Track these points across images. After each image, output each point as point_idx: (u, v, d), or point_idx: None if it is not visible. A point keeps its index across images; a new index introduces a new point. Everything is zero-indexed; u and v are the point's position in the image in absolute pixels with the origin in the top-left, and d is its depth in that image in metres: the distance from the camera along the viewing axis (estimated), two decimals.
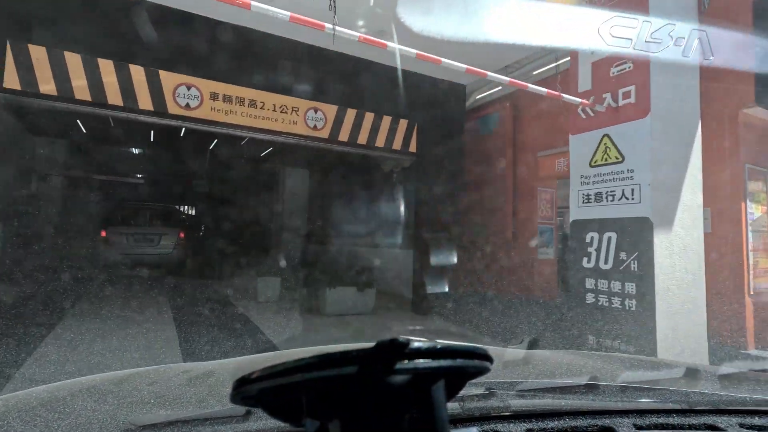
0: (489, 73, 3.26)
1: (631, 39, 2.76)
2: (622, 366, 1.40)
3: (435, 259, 7.24)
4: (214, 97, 5.65)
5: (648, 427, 0.80)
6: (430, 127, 7.23)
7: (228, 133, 6.09)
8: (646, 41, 3.06)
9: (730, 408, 0.87)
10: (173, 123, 5.72)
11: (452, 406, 0.76)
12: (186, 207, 14.76)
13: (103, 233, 8.39)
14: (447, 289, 7.18)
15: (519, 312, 6.65)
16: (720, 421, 0.82)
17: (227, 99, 5.73)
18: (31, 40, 4.73)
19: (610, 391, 0.98)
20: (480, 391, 0.85)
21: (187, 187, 12.96)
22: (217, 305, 6.86)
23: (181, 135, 9.32)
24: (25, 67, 4.69)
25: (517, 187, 8.17)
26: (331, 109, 6.43)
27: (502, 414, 0.80)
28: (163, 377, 1.19)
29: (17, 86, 4.66)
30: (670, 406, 0.88)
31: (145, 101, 5.26)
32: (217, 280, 9.27)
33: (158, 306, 6.51)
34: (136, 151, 12.49)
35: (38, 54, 4.76)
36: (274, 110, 6.03)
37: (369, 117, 6.71)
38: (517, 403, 0.84)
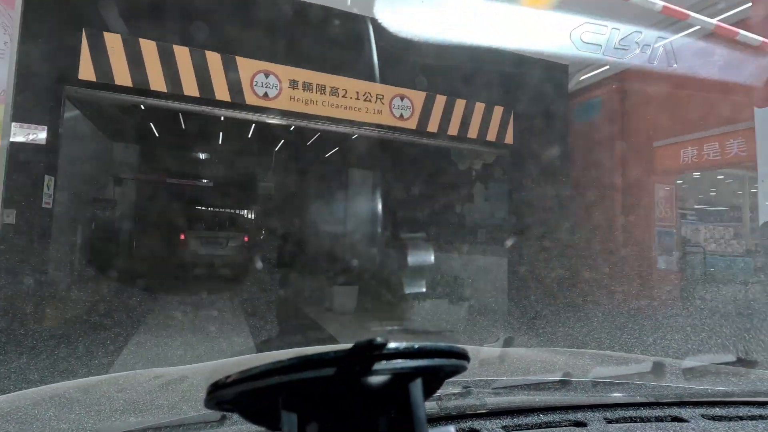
0: (692, 14, 2.31)
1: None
2: (593, 362, 1.45)
3: (531, 269, 6.25)
4: (293, 85, 5.05)
5: (618, 420, 0.83)
6: (528, 114, 6.24)
7: (306, 126, 5.49)
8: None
9: (694, 400, 0.92)
10: (250, 116, 5.20)
11: (430, 405, 0.75)
12: (251, 210, 14.62)
13: (182, 236, 9.22)
14: (539, 302, 6.15)
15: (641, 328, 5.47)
16: (684, 412, 0.86)
17: (307, 87, 5.11)
18: (106, 28, 4.36)
19: (581, 387, 1.02)
20: (457, 389, 0.87)
21: (254, 189, 12.68)
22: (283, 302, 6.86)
23: (249, 135, 8.98)
24: (101, 57, 4.32)
25: (627, 183, 6.97)
26: (418, 97, 5.65)
27: (478, 412, 0.81)
28: (133, 383, 1.16)
29: (92, 77, 4.29)
30: (638, 399, 0.91)
31: (221, 91, 4.75)
32: (280, 279, 9.05)
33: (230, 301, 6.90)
34: (203, 155, 12.46)
35: (113, 42, 4.37)
36: (357, 98, 5.34)
37: (460, 104, 5.86)
38: (493, 401, 0.87)
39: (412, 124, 5.61)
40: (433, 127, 5.72)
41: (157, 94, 4.60)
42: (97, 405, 0.98)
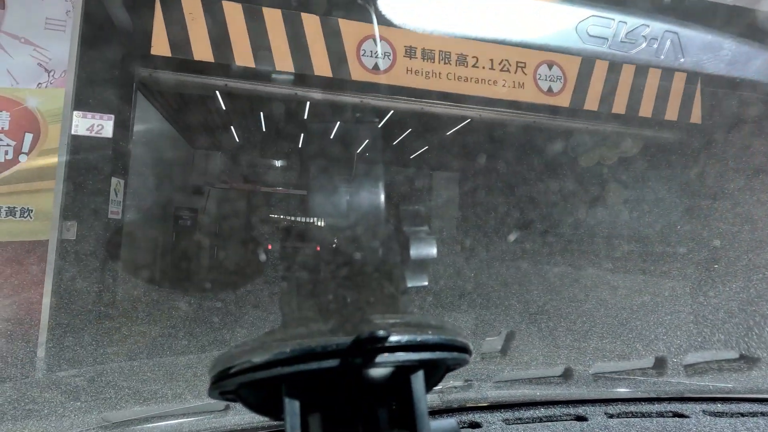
0: None
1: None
2: (595, 357, 1.50)
3: (727, 294, 4.44)
4: (409, 52, 3.83)
5: (619, 415, 0.83)
6: (725, 82, 4.46)
7: (423, 110, 4.22)
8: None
9: (695, 396, 0.92)
10: (353, 99, 4.06)
11: (432, 398, 0.75)
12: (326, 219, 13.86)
13: (270, 246, 9.94)
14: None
15: None
16: (685, 408, 0.86)
17: (427, 55, 3.86)
18: None
19: (583, 381, 1.02)
20: (459, 382, 0.88)
21: (337, 196, 11.70)
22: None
23: (333, 132, 7.99)
24: (177, 27, 3.40)
25: None
26: (572, 63, 4.16)
27: (479, 405, 0.82)
28: (138, 372, 1.21)
29: (167, 51, 3.37)
30: (639, 394, 0.92)
31: (321, 64, 3.65)
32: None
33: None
34: (279, 163, 11.81)
35: (192, 8, 3.44)
36: (492, 68, 3.99)
37: (628, 71, 4.27)
38: (494, 394, 0.88)
39: (563, 100, 4.13)
40: (592, 103, 4.19)
41: (243, 73, 3.61)
42: (103, 393, 1.00)
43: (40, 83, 3.16)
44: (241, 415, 0.70)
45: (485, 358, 1.34)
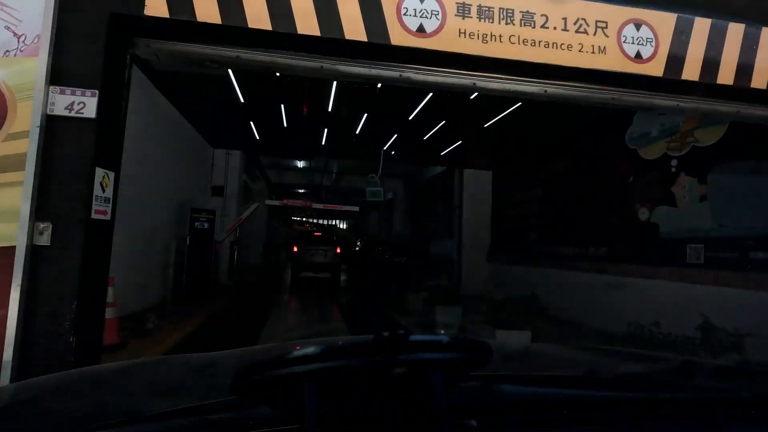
0: None
1: None
2: (620, 360, 1.39)
3: None
4: (462, 10, 3.06)
5: (644, 419, 0.81)
6: None
7: (473, 85, 3.44)
8: None
9: (726, 402, 0.89)
10: (389, 73, 3.31)
11: (452, 398, 0.67)
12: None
13: (295, 248, 11.84)
14: None
15: None
16: (715, 414, 0.83)
17: (485, 13, 3.09)
18: None
19: (607, 384, 0.99)
20: (480, 383, 0.86)
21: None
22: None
23: (361, 122, 7.27)
24: None
25: None
26: (664, 21, 3.32)
27: (500, 405, 0.80)
28: (165, 368, 1.20)
29: (164, 11, 2.71)
30: (667, 398, 0.88)
31: (353, 25, 2.92)
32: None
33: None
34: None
35: None
36: (564, 28, 3.18)
37: (735, 30, 3.40)
38: (516, 395, 0.86)
39: (655, 68, 3.28)
40: (691, 72, 3.33)
41: (257, 39, 2.92)
42: (132, 387, 1.02)
43: (7, 51, 2.55)
44: (263, 409, 0.63)
45: (507, 357, 1.28)
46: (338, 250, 12.32)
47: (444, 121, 8.25)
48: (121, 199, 2.99)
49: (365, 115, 7.93)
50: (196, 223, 7.70)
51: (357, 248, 22.78)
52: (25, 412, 0.84)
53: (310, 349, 0.46)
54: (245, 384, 0.49)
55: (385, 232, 26.60)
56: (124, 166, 3.06)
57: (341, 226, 54.85)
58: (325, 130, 8.97)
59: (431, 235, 17.48)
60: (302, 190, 26.06)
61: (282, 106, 7.62)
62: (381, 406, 0.48)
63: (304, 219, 47.36)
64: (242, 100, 7.35)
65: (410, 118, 7.99)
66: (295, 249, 11.65)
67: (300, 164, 18.67)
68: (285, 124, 8.62)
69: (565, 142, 8.94)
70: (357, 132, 8.99)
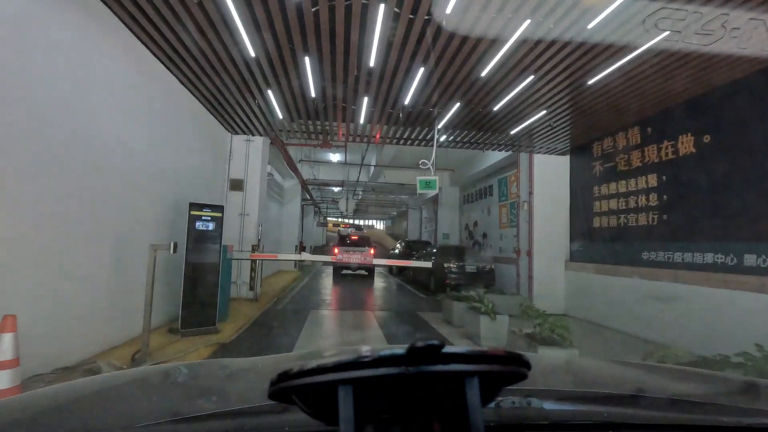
0: None
1: None
2: (672, 378, 1.30)
3: None
4: None
5: None
6: None
7: None
8: None
9: None
10: None
11: (488, 413, 0.70)
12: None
13: (336, 250, 13.22)
14: None
15: None
16: None
17: None
18: None
19: (658, 404, 0.92)
20: (517, 397, 0.82)
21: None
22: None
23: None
24: None
25: None
26: None
27: (539, 423, 0.77)
28: (204, 372, 1.24)
29: None
30: (724, 422, 0.80)
31: None
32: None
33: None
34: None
35: None
36: None
37: None
38: (556, 412, 0.82)
39: None
40: None
41: None
42: (173, 389, 1.07)
43: None
44: (298, 417, 0.63)
45: (547, 372, 1.22)
46: (372, 251, 14.56)
47: (525, 81, 5.95)
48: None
49: (421, 69, 5.76)
50: (198, 223, 5.84)
51: (396, 250, 20.74)
52: (75, 409, 0.88)
53: (345, 357, 0.43)
54: (281, 390, 0.49)
55: (428, 234, 24.40)
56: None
57: (379, 227, 53.01)
58: (365, 99, 6.87)
59: (486, 236, 15.10)
60: (337, 188, 24.32)
61: (307, 61, 5.59)
62: (415, 418, 0.47)
63: (340, 219, 45.93)
64: (253, 54, 5.38)
65: (483, 74, 5.75)
66: (336, 251, 13.29)
67: (335, 158, 16.81)
68: (313, 94, 6.62)
69: (700, 108, 6.42)
70: (406, 101, 6.84)
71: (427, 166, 7.89)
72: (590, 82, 5.82)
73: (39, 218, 3.67)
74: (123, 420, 0.80)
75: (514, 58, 5.37)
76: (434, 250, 14.34)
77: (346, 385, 0.45)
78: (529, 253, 9.81)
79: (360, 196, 26.02)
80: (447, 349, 0.42)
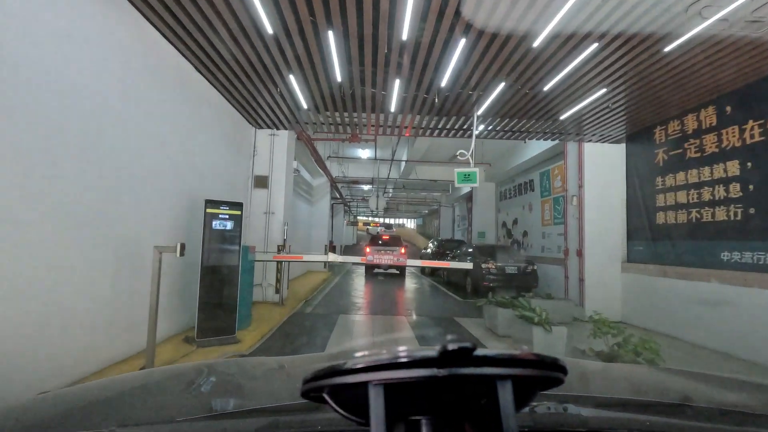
0: None
1: None
2: (721, 387, 1.20)
3: None
4: None
5: None
6: None
7: None
8: None
9: None
10: None
11: (522, 418, 0.70)
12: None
13: (367, 250, 13.80)
14: None
15: None
16: None
17: None
18: None
19: (706, 414, 0.85)
20: (553, 403, 0.80)
21: None
22: None
23: None
24: None
25: None
26: None
27: (576, 430, 0.72)
28: (239, 369, 1.27)
29: None
30: None
31: None
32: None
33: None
34: None
35: None
36: None
37: None
38: (595, 420, 0.77)
39: None
40: None
41: None
42: (210, 385, 1.10)
43: None
44: (330, 416, 0.65)
45: (584, 377, 1.16)
46: (403, 251, 14.13)
47: (586, 51, 5.06)
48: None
49: (461, 42, 4.98)
50: (215, 222, 5.31)
51: (428, 250, 19.93)
52: (122, 402, 0.92)
53: (377, 358, 0.43)
54: (313, 389, 0.50)
55: (461, 233, 23.45)
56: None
57: (409, 226, 52.22)
58: (396, 83, 6.15)
59: (526, 235, 14.08)
60: (367, 186, 23.76)
61: (331, 37, 4.93)
62: (447, 421, 0.46)
63: (370, 218, 45.44)
64: (271, 30, 4.78)
65: (535, 44, 4.91)
66: (368, 250, 13.61)
67: (364, 154, 16.20)
68: (339, 78, 5.98)
69: None
70: (442, 83, 6.08)
71: (466, 157, 7.09)
72: (667, 48, 4.86)
73: (27, 210, 3.18)
74: (163, 414, 0.85)
75: (576, 21, 4.50)
76: (470, 250, 13.47)
77: (378, 385, 0.45)
78: (580, 253, 8.82)
79: (390, 194, 25.37)
80: (479, 351, 0.41)
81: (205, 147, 6.51)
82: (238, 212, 5.55)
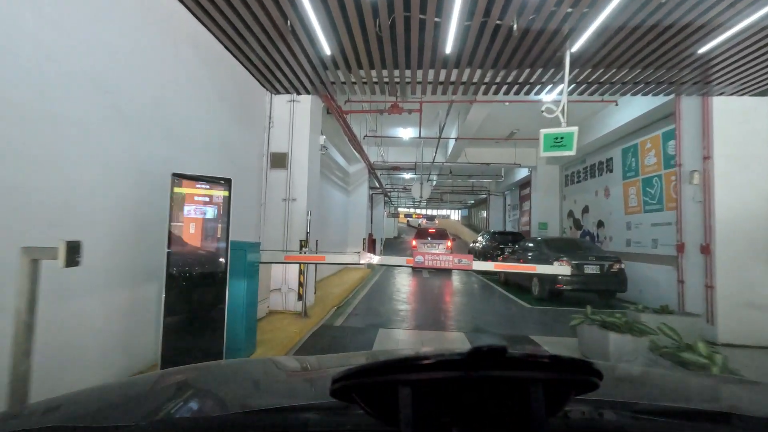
0: None
1: None
2: None
3: None
4: None
5: None
6: None
7: None
8: None
9: None
10: None
11: (555, 423, 0.66)
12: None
13: (414, 243, 15.24)
14: None
15: None
16: None
17: None
18: None
19: (753, 425, 0.78)
20: (587, 408, 0.75)
21: None
22: None
23: None
24: None
25: None
26: None
27: None
28: (272, 367, 1.26)
29: None
30: None
31: None
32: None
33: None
34: None
35: None
36: None
37: None
38: (633, 426, 0.73)
39: None
40: None
41: None
42: (242, 383, 1.11)
43: None
44: (358, 416, 0.64)
45: (620, 381, 1.11)
46: (449, 245, 15.14)
47: None
48: None
49: None
50: (187, 208, 3.57)
51: (477, 244, 17.72)
52: (161, 397, 0.93)
53: (408, 358, 0.44)
54: (343, 388, 0.50)
55: (512, 224, 20.99)
56: None
57: (454, 217, 49.68)
58: (455, 4, 4.12)
59: (602, 226, 11.57)
60: (408, 175, 21.77)
61: None
62: (476, 423, 0.45)
63: (412, 210, 43.37)
64: None
65: None
66: (414, 244, 14.07)
67: (406, 134, 14.20)
68: (378, 27, 4.06)
69: None
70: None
71: (555, 113, 4.95)
72: None
73: None
74: (199, 410, 0.87)
75: None
76: (530, 245, 11.21)
77: (407, 386, 0.44)
78: (706, 249, 6.41)
79: (434, 182, 23.24)
80: (510, 353, 0.40)
81: (205, 114, 4.79)
82: (225, 192, 3.75)
